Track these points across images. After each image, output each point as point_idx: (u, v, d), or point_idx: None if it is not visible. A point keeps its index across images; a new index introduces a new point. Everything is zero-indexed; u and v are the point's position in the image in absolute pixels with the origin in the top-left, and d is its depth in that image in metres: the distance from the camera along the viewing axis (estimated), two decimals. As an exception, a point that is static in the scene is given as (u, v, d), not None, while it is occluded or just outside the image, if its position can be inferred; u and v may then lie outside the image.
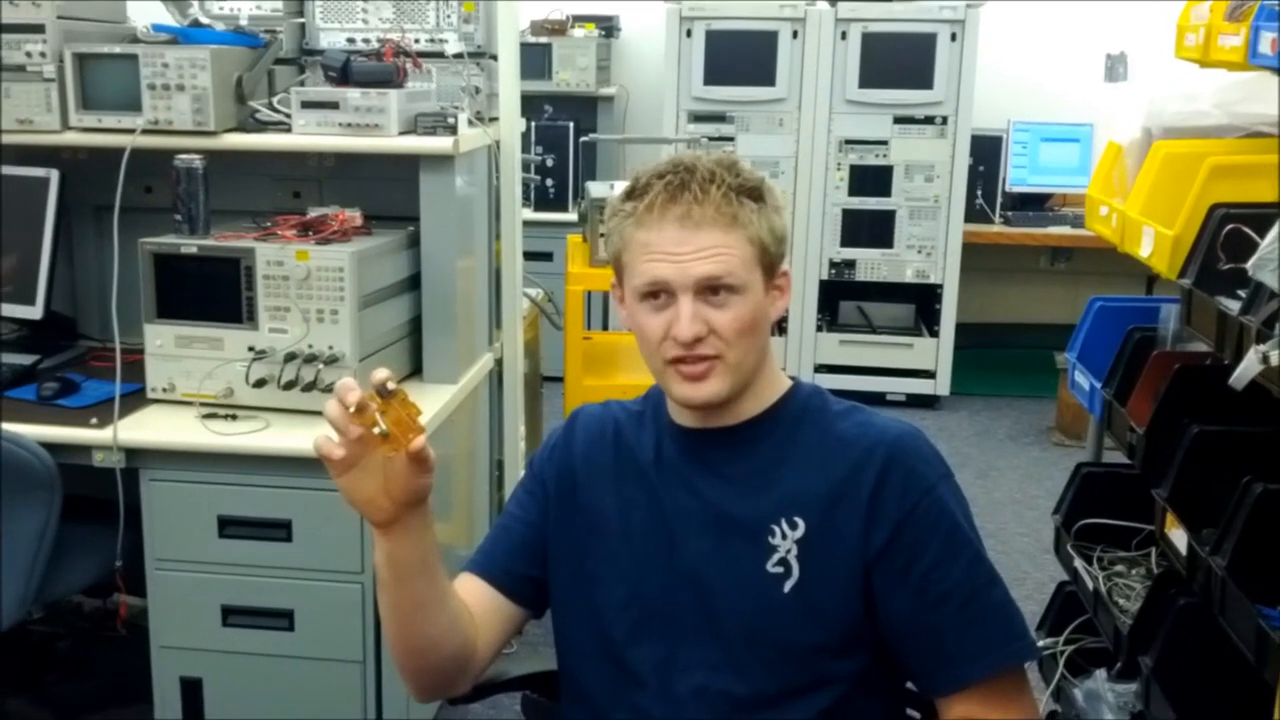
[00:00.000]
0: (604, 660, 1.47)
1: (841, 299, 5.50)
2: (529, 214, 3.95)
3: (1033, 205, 5.58)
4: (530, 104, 3.85)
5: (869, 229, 5.32)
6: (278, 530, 2.26)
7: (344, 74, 2.52)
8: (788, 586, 1.39)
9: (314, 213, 2.50)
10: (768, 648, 1.40)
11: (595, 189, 3.62)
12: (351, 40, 2.82)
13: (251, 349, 2.33)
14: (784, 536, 1.40)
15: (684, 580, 1.43)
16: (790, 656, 1.40)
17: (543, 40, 5.58)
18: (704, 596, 1.42)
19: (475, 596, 1.50)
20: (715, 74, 5.23)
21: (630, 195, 1.42)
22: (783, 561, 1.40)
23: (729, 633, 1.41)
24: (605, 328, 5.01)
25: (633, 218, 1.40)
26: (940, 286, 5.32)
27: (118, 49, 2.48)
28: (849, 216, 5.32)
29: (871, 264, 5.35)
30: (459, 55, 2.78)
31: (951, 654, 1.37)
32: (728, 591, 1.42)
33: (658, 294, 1.39)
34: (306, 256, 2.31)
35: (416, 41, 2.77)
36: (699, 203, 1.37)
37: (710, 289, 1.38)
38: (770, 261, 1.42)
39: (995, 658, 1.38)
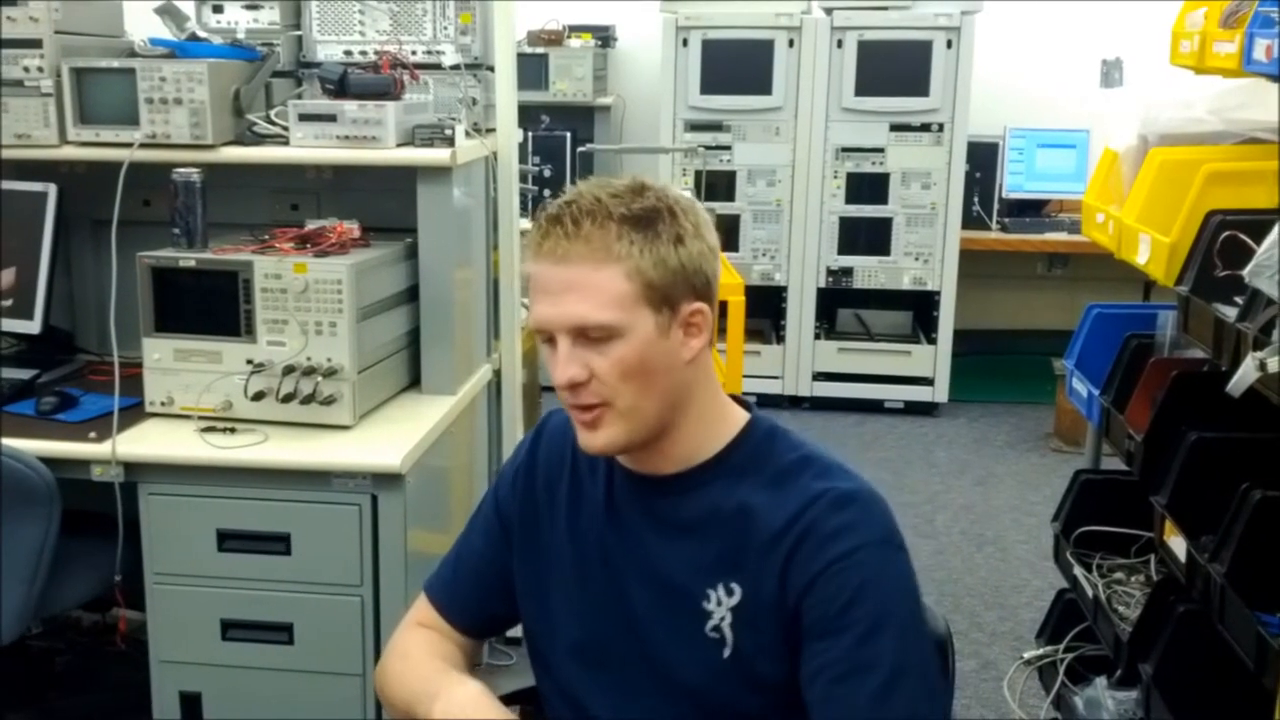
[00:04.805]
0: (565, 699, 1.46)
1: (839, 306, 5.51)
2: (527, 224, 3.94)
3: (1029, 211, 5.59)
4: (527, 114, 3.84)
5: (866, 236, 5.32)
6: (277, 543, 2.25)
7: (341, 86, 2.52)
8: (725, 653, 1.34)
9: (312, 225, 2.50)
10: (716, 711, 1.35)
11: (592, 199, 3.62)
12: (348, 53, 2.82)
13: (250, 362, 2.33)
14: (719, 603, 1.34)
15: (633, 634, 1.39)
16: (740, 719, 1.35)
17: (539, 51, 5.59)
18: (652, 653, 1.38)
19: (433, 625, 1.55)
20: (712, 83, 5.24)
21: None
22: (718, 629, 1.34)
23: (677, 692, 1.37)
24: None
25: (528, 250, 1.33)
26: (938, 293, 5.33)
27: (115, 63, 2.48)
28: (846, 224, 5.32)
29: (869, 271, 5.36)
30: (456, 67, 2.78)
31: None
32: (673, 651, 1.37)
33: (549, 336, 1.32)
34: (304, 269, 2.31)
35: (413, 53, 2.78)
36: (568, 238, 1.28)
37: (584, 332, 1.29)
38: (664, 298, 1.30)
39: None
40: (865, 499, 1.32)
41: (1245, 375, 1.69)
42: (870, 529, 1.30)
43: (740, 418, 1.41)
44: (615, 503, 1.42)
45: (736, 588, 1.33)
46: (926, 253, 5.30)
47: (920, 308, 5.46)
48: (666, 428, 1.35)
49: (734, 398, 1.45)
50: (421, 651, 1.51)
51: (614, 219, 1.28)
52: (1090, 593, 2.35)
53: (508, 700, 1.63)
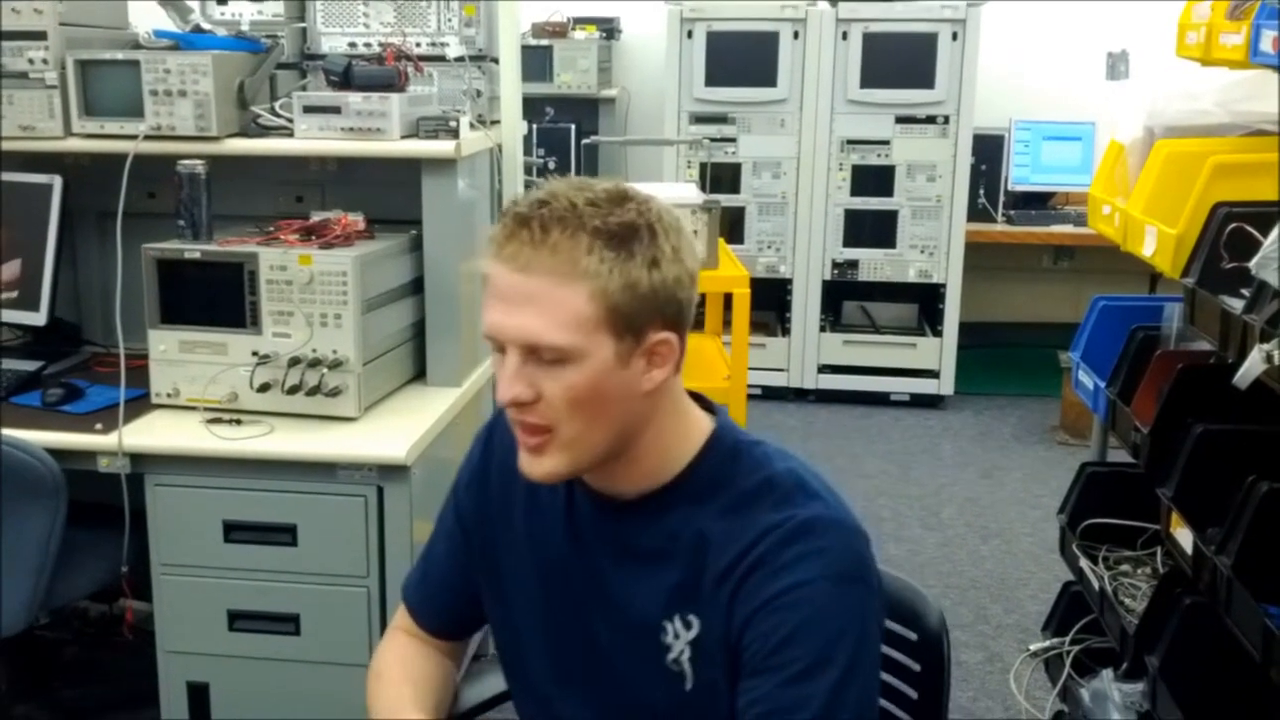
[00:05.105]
0: (538, 702, 1.43)
1: (844, 299, 5.50)
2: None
3: (1035, 204, 5.58)
4: (532, 106, 3.85)
5: (871, 229, 5.32)
6: (283, 535, 2.26)
7: (345, 78, 2.52)
8: (688, 686, 1.28)
9: (316, 217, 2.50)
10: None
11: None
12: (353, 44, 2.82)
13: (255, 354, 2.34)
14: (677, 636, 1.27)
15: (597, 655, 1.34)
16: None
17: (544, 43, 5.59)
18: (617, 677, 1.34)
19: (411, 630, 1.54)
20: (716, 75, 5.24)
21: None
22: (678, 662, 1.28)
23: (645, 714, 1.32)
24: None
25: (489, 246, 1.21)
26: (943, 286, 5.32)
27: (120, 55, 2.48)
28: (851, 217, 5.32)
29: (874, 264, 5.35)
30: (460, 59, 2.78)
31: None
32: (638, 679, 1.32)
33: (501, 345, 1.21)
34: (309, 261, 2.31)
35: (418, 45, 2.78)
36: (533, 244, 1.16)
37: (535, 351, 1.18)
38: (628, 324, 1.18)
39: None
40: (825, 527, 1.22)
41: (1252, 367, 1.69)
42: (824, 562, 1.20)
43: (702, 432, 1.31)
44: (575, 521, 1.35)
45: (695, 620, 1.26)
46: (932, 245, 5.29)
47: (926, 300, 5.45)
48: (618, 453, 1.26)
49: (697, 398, 1.35)
50: (394, 672, 1.50)
51: (586, 230, 1.16)
52: (1096, 585, 2.35)
53: (504, 697, 1.63)
